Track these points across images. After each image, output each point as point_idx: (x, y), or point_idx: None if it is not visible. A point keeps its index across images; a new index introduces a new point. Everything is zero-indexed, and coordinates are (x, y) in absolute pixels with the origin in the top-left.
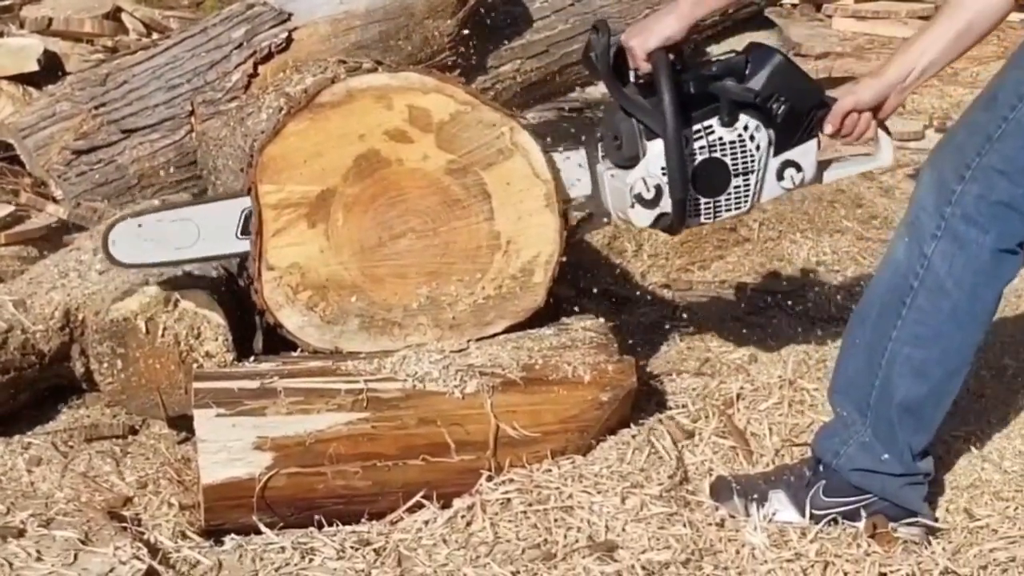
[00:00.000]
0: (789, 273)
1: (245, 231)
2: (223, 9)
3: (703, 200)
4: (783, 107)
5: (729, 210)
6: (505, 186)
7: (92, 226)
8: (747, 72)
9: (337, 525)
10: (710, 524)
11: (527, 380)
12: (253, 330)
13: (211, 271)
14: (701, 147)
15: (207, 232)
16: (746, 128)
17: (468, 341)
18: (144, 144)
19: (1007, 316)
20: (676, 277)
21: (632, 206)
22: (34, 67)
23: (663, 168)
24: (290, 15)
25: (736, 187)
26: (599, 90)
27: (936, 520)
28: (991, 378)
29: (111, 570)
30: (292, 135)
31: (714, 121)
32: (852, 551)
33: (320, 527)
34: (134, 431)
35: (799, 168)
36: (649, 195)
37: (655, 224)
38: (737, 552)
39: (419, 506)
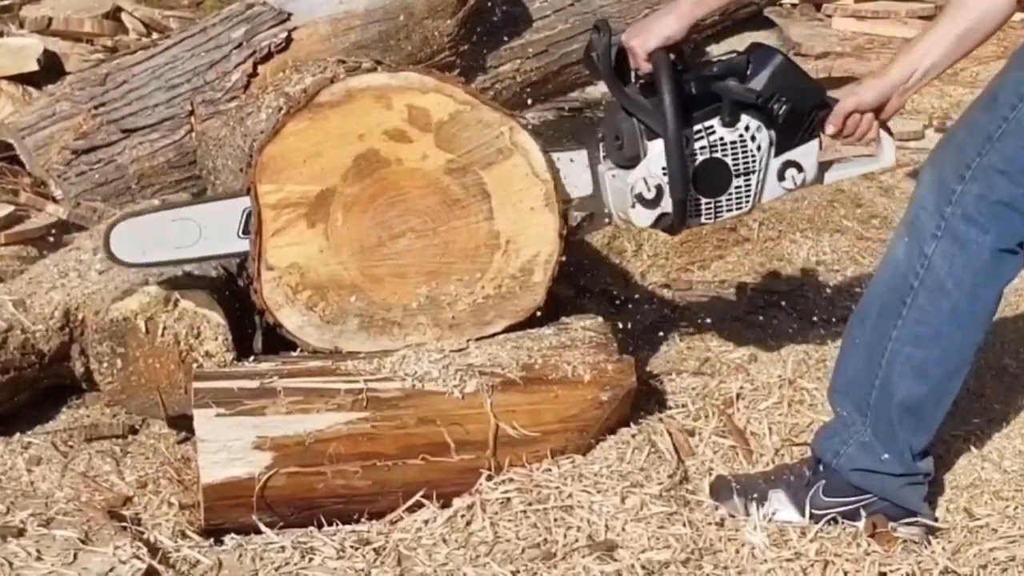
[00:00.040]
0: (789, 273)
1: (247, 231)
2: (223, 9)
3: (704, 200)
4: (784, 107)
5: (730, 210)
6: (504, 186)
7: (92, 226)
8: (748, 72)
9: (337, 524)
10: (710, 523)
11: (527, 380)
12: (253, 330)
13: (211, 271)
14: (702, 147)
15: (209, 231)
16: (747, 128)
17: (468, 341)
18: (144, 144)
19: (1007, 316)
20: (676, 277)
21: (633, 206)
22: (34, 67)
23: (664, 168)
24: (290, 15)
25: (737, 187)
26: (599, 90)
27: (936, 520)
28: (991, 378)
29: (111, 569)
30: (291, 135)
31: (715, 121)
32: (852, 551)
33: (320, 527)
34: (134, 431)
35: (800, 168)
36: (650, 195)
37: (656, 224)
38: (737, 551)
39: (419, 506)
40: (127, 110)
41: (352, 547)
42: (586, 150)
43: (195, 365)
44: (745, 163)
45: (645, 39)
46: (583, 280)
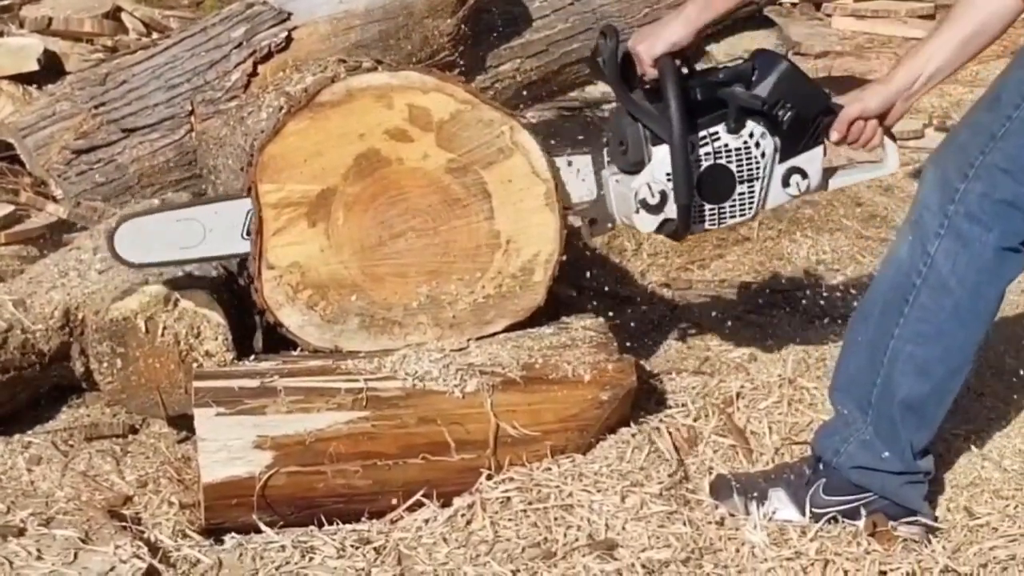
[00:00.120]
0: (789, 272)
1: (251, 232)
2: (223, 9)
3: (708, 206)
4: (789, 114)
5: (734, 216)
6: (505, 185)
7: (92, 225)
8: (754, 79)
9: (337, 524)
10: (710, 522)
11: (527, 379)
12: (253, 329)
13: (211, 271)
14: (707, 153)
15: (213, 232)
16: (752, 135)
17: (468, 340)
18: (144, 143)
19: (1008, 315)
20: (676, 276)
21: (637, 211)
22: (34, 67)
23: (668, 174)
24: (290, 14)
25: (741, 194)
26: (599, 89)
27: (936, 519)
28: (992, 376)
29: (111, 569)
30: (292, 134)
31: (720, 127)
32: (852, 549)
33: (320, 526)
34: (134, 430)
35: (805, 175)
36: (654, 200)
37: (660, 230)
38: (737, 550)
39: (419, 505)
40: (127, 110)
41: (352, 546)
42: (590, 155)
43: (195, 364)
44: (749, 169)
45: (651, 44)
46: (583, 280)
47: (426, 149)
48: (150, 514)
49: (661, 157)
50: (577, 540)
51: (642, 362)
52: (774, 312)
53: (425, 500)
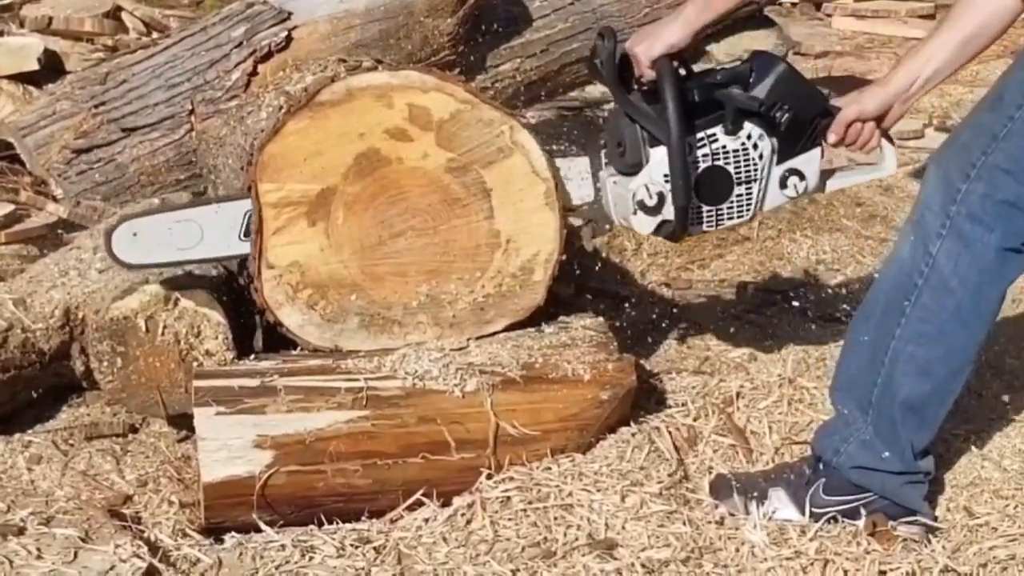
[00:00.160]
0: (789, 272)
1: (248, 233)
2: (223, 8)
3: (705, 208)
4: (787, 116)
5: (731, 218)
6: (505, 184)
7: (92, 225)
8: (751, 80)
9: (337, 523)
10: (710, 522)
11: (527, 378)
12: (253, 329)
13: (211, 270)
14: (704, 155)
15: (211, 233)
16: (749, 137)
17: (468, 339)
18: (144, 143)
19: (1008, 315)
20: (675, 276)
21: (634, 213)
22: (34, 66)
23: (666, 175)
24: (290, 14)
25: (739, 195)
26: (599, 89)
27: (936, 519)
28: (992, 376)
29: (111, 568)
30: (292, 134)
31: (718, 129)
32: (852, 549)
33: (320, 525)
34: (134, 429)
35: (802, 177)
36: (652, 202)
37: (657, 231)
38: (737, 550)
39: (419, 504)
40: (127, 109)
41: (352, 545)
42: (588, 156)
43: (195, 364)
44: (747, 171)
45: (649, 46)
46: (583, 279)
47: (426, 148)
48: (150, 513)
49: (659, 159)
50: (577, 539)
51: (642, 362)
52: (774, 312)
53: (425, 499)
